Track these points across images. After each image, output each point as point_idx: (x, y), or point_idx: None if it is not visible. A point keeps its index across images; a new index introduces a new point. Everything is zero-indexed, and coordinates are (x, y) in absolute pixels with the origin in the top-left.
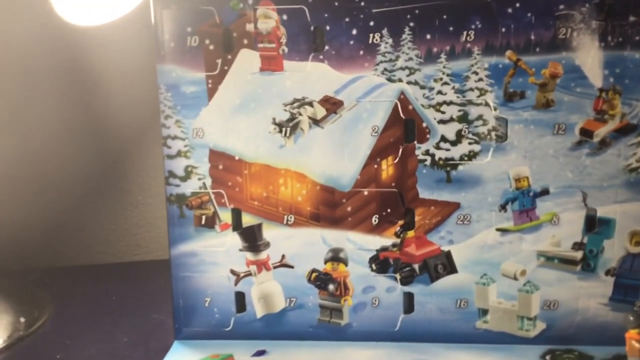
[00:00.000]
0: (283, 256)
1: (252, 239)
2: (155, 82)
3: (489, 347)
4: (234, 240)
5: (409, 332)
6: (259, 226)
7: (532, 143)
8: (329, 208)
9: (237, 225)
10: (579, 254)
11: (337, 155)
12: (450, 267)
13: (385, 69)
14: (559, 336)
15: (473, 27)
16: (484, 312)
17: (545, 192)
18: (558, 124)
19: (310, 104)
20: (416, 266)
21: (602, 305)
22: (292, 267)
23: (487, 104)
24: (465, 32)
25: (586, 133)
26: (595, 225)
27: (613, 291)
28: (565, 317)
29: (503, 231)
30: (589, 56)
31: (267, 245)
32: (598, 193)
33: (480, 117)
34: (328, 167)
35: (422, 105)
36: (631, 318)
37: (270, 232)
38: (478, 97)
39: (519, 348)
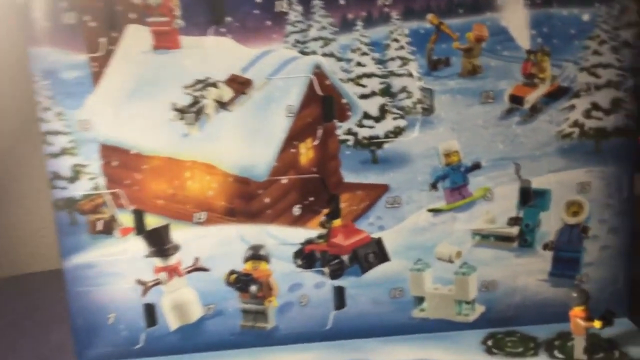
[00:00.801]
0: (196, 259)
1: (159, 243)
2: (29, 68)
3: (428, 337)
4: (138, 245)
5: (342, 329)
6: (166, 227)
7: (460, 114)
8: (245, 201)
9: (140, 228)
10: (515, 230)
11: (249, 142)
12: (381, 255)
13: (297, 41)
14: (499, 318)
15: None
16: (420, 300)
17: (476, 166)
18: (486, 91)
19: (215, 84)
20: (345, 257)
21: (541, 281)
22: (207, 270)
23: (410, 74)
24: None
25: (516, 100)
26: (531, 198)
27: (552, 266)
28: (504, 298)
29: (435, 211)
30: (514, 16)
31: (177, 248)
32: (531, 163)
33: (404, 89)
34: (240, 155)
35: (341, 80)
36: (574, 294)
37: (179, 233)
38: (400, 67)
39: (458, 335)
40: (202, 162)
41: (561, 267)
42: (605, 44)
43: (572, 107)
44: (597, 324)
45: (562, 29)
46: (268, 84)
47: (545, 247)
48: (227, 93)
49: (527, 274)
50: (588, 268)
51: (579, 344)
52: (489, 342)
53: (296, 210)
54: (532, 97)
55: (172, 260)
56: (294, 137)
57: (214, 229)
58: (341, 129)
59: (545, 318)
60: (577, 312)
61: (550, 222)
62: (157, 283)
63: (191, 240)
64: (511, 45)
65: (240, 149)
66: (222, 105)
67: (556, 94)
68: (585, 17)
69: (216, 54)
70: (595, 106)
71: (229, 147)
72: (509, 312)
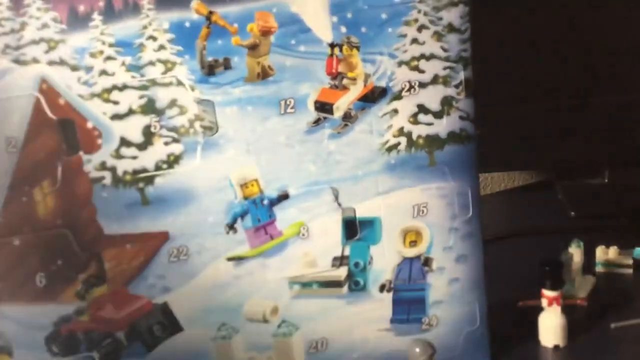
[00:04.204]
0: None
1: None
2: None
3: None
4: None
5: None
6: None
7: (254, 131)
8: None
9: None
10: (342, 272)
11: None
12: (171, 324)
13: (8, 46)
14: None
15: None
16: None
17: (284, 196)
18: (285, 99)
19: None
20: (121, 334)
21: (383, 331)
22: None
23: (180, 83)
24: None
25: (323, 107)
26: (357, 230)
27: (393, 310)
28: (339, 358)
29: (238, 260)
30: None
31: None
32: (353, 186)
33: (174, 103)
34: None
35: (81, 96)
36: (417, 349)
37: None
38: (164, 73)
39: None
40: None
41: (405, 311)
42: (425, 29)
43: (395, 111)
44: None
45: (370, 14)
46: None
47: (382, 288)
48: None
49: (365, 324)
50: (437, 308)
51: None
52: None
53: (40, 280)
54: (342, 102)
55: None
56: (24, 181)
57: None
58: (91, 164)
59: None
60: None
61: (385, 257)
62: None
63: None
64: (308, 37)
65: None
66: None
67: (372, 97)
68: None
69: None
70: (422, 108)
71: None
72: None
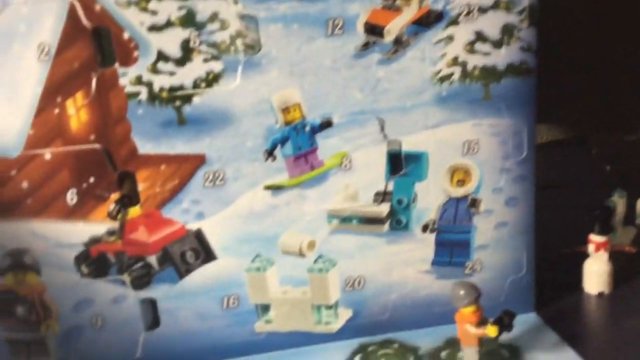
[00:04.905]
0: None
1: None
2: None
3: (279, 356)
4: None
5: (158, 355)
6: None
7: (299, 51)
8: None
9: None
10: (384, 208)
11: None
12: (204, 252)
13: None
14: (371, 324)
15: None
16: (265, 308)
17: (327, 124)
18: (332, 18)
19: None
20: (153, 258)
21: (423, 273)
22: None
23: None
24: None
25: (374, 29)
26: (402, 164)
27: (436, 252)
28: (376, 297)
29: (275, 189)
30: None
31: None
32: (401, 117)
33: (215, 17)
34: None
35: (117, 3)
36: (461, 292)
37: None
38: None
39: (319, 350)
40: None
41: (447, 253)
42: None
43: (450, 38)
44: (490, 331)
45: None
46: (5, 13)
47: (425, 228)
48: None
49: (404, 264)
50: (481, 252)
51: (469, 358)
52: (357, 357)
53: (71, 196)
54: (394, 25)
55: None
56: (56, 91)
57: None
58: (127, 77)
59: (431, 319)
60: (465, 316)
61: (430, 196)
62: None
63: None
64: None
65: None
66: None
67: (427, 21)
68: None
69: None
70: (480, 36)
71: None
72: (384, 315)
